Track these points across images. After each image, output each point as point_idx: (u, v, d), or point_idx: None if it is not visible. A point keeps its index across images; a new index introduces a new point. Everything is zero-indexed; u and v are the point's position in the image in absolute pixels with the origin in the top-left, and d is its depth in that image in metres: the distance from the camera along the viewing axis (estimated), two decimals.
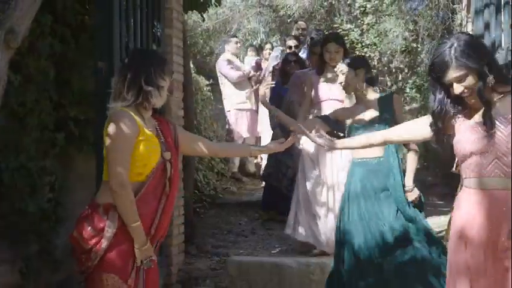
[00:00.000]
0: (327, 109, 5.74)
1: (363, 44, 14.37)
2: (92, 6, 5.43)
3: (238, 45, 10.45)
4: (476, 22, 5.33)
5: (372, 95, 4.80)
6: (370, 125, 4.63)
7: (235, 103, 9.74)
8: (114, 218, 3.26)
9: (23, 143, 4.73)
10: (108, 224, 3.25)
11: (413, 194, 4.61)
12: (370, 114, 4.71)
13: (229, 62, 9.85)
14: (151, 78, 3.37)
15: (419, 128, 3.40)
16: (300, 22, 9.24)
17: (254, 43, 15.62)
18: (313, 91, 6.08)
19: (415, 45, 13.43)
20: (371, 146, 3.94)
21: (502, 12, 4.68)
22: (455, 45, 2.89)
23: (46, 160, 5.08)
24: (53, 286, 5.14)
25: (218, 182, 9.33)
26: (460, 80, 2.89)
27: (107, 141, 3.29)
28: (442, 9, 10.45)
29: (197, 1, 6.70)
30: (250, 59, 10.68)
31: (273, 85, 7.19)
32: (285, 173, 7.09)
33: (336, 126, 4.77)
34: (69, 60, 5.24)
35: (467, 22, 5.96)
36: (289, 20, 15.43)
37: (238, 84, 9.75)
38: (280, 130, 6.82)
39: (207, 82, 11.33)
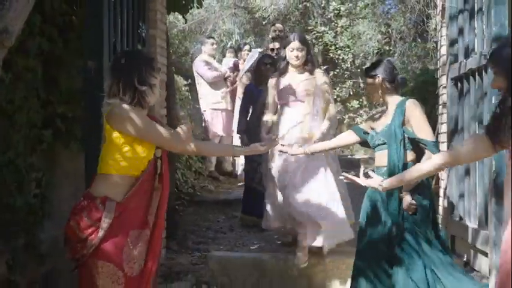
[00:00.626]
0: (290, 110, 5.84)
1: (337, 46, 14.83)
2: (79, 6, 5.54)
3: (214, 46, 10.55)
4: (450, 27, 5.50)
5: (394, 100, 4.55)
6: (381, 132, 4.51)
7: (211, 103, 9.84)
8: (110, 210, 3.42)
9: (12, 139, 4.82)
10: (105, 215, 3.40)
11: (404, 201, 4.39)
12: (385, 121, 4.55)
13: (206, 62, 9.96)
14: (143, 77, 3.54)
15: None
16: (277, 24, 9.32)
17: (229, 44, 15.74)
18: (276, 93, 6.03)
19: (387, 47, 13.81)
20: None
21: (475, 18, 4.86)
22: None
23: (33, 156, 5.18)
24: (38, 278, 5.23)
25: (196, 180, 9.45)
26: None
27: (135, 128, 3.45)
28: (415, 12, 10.62)
29: (179, 3, 6.84)
30: (228, 60, 10.79)
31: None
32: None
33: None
34: (56, 59, 5.34)
35: (441, 27, 6.10)
36: (264, 22, 15.61)
37: (214, 84, 9.86)
38: (246, 137, 6.92)
39: (185, 82, 11.43)
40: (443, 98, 5.90)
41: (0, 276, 4.97)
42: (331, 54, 14.90)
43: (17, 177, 4.98)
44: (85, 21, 4.99)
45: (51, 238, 5.28)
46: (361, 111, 14.43)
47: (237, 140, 9.63)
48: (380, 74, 4.51)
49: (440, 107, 6.00)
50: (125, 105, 3.50)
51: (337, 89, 14.54)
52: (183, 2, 6.89)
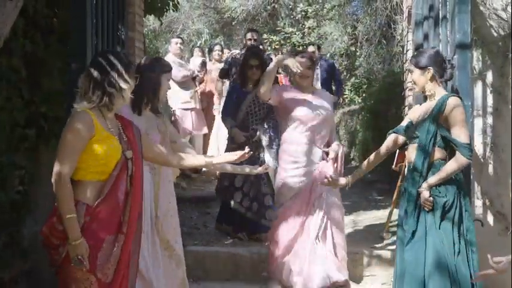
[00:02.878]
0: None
1: (304, 47, 15.00)
2: (60, 10, 5.70)
3: (179, 45, 10.50)
4: (416, 33, 5.76)
5: (438, 94, 4.33)
6: (419, 124, 4.36)
7: (180, 102, 9.92)
8: (80, 213, 3.39)
9: None
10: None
11: (421, 197, 4.23)
12: (423, 113, 4.37)
13: (174, 62, 10.08)
14: (114, 80, 3.55)
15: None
16: (252, 33, 9.11)
17: (198, 44, 15.95)
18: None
19: (353, 49, 14.04)
20: None
21: (440, 25, 5.14)
22: None
23: (17, 154, 5.34)
24: (21, 274, 5.37)
25: None
26: None
27: (61, 137, 3.47)
28: (382, 16, 10.90)
29: (155, 6, 7.03)
30: (197, 59, 10.93)
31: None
32: (238, 187, 6.66)
33: None
34: (39, 61, 5.49)
35: (407, 32, 6.39)
36: (233, 23, 15.88)
37: (182, 84, 9.93)
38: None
39: None
40: (409, 99, 6.19)
41: None
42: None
43: (1, 174, 5.14)
44: (69, 24, 5.16)
45: (33, 234, 5.41)
46: None
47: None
48: (431, 66, 4.32)
49: (406, 108, 6.27)
50: (77, 114, 3.48)
51: None
52: (159, 4, 7.08)
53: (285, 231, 5.73)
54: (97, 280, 3.38)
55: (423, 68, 4.33)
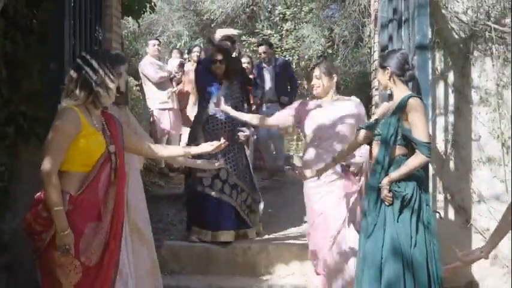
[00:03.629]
0: None
1: (282, 49, 15.31)
2: (39, 11, 5.88)
3: (156, 47, 10.62)
4: (381, 35, 5.98)
5: (400, 94, 4.49)
6: (380, 121, 4.54)
7: (158, 103, 10.07)
8: (64, 203, 3.57)
9: None
10: None
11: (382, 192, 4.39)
12: (387, 113, 4.56)
13: (151, 63, 10.24)
14: (101, 79, 3.73)
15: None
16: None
17: (178, 45, 16.11)
18: None
19: (330, 51, 14.22)
20: None
21: (403, 28, 5.38)
22: None
23: None
24: (1, 268, 5.54)
25: (146, 177, 9.78)
26: None
27: (49, 133, 3.64)
28: (355, 18, 11.15)
29: (133, 8, 7.23)
30: (174, 61, 11.10)
31: None
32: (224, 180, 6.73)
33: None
34: (19, 60, 5.65)
35: (374, 34, 6.64)
36: (212, 25, 16.02)
37: (159, 84, 10.09)
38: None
39: (136, 82, 11.74)
40: (375, 98, 6.42)
41: None
42: (277, 56, 15.17)
43: None
44: (48, 25, 5.35)
45: (13, 229, 5.58)
46: None
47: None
48: (390, 66, 4.53)
49: (373, 107, 6.51)
50: (64, 111, 3.66)
51: None
52: (136, 7, 7.27)
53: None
54: (81, 264, 3.58)
55: (384, 68, 4.55)
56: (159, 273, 5.13)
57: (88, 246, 3.62)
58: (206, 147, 4.43)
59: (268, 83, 9.66)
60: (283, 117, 5.81)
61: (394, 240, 4.25)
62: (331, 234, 5.33)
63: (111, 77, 3.79)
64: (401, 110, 4.33)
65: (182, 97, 10.44)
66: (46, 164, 3.55)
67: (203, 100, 6.83)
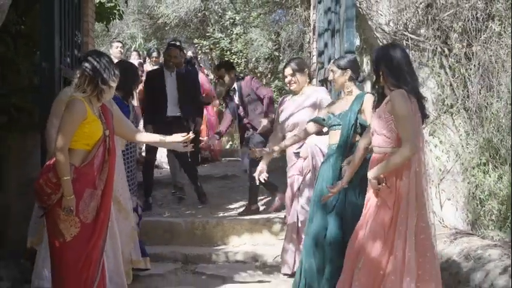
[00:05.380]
0: None
1: (232, 51, 15.87)
2: (27, 18, 6.79)
3: (119, 49, 11.44)
4: (319, 42, 6.99)
5: (354, 92, 5.35)
6: (338, 115, 5.29)
7: None
8: (70, 172, 4.32)
9: None
10: None
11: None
12: (344, 107, 5.31)
13: None
14: (106, 79, 4.46)
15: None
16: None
17: (133, 47, 16.85)
18: None
19: (277, 53, 14.78)
20: None
21: (335, 36, 6.37)
22: None
23: None
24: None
25: None
26: None
27: (63, 119, 4.35)
28: (297, 25, 11.99)
29: (104, 15, 8.17)
30: (134, 62, 11.79)
31: None
32: None
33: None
34: (9, 60, 6.56)
35: (313, 41, 7.66)
36: (166, 28, 16.76)
37: None
38: None
39: None
40: None
41: None
42: (226, 58, 15.51)
43: None
44: (35, 30, 6.27)
45: (3, 206, 6.51)
46: None
47: None
48: (349, 69, 5.32)
49: None
50: (75, 101, 4.36)
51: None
52: (106, 14, 8.21)
53: None
54: (80, 220, 4.36)
55: (343, 69, 5.35)
56: (137, 237, 5.99)
57: (85, 207, 4.38)
58: (178, 137, 5.15)
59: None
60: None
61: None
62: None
63: (114, 78, 4.53)
64: (360, 104, 5.15)
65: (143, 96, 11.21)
66: (60, 142, 4.27)
67: None
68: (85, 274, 4.40)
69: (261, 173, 6.06)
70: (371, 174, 4.43)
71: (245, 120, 8.33)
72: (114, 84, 4.57)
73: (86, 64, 4.48)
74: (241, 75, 10.59)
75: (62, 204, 4.30)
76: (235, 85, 8.38)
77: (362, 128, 5.11)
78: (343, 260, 4.75)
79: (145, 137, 5.55)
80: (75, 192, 4.33)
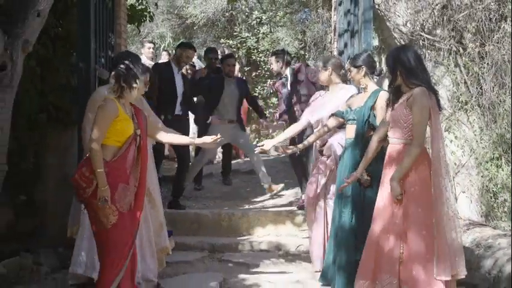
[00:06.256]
0: None
1: (259, 50, 16.01)
2: (64, 21, 7.20)
3: (152, 49, 11.76)
4: (339, 42, 7.33)
5: (371, 87, 5.53)
6: (354, 110, 5.51)
7: None
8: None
9: (18, 121, 6.26)
10: None
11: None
12: (360, 102, 5.50)
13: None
14: (128, 79, 4.73)
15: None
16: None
17: (162, 46, 17.19)
18: None
19: (303, 52, 14.92)
20: None
21: (355, 37, 6.69)
22: None
23: (33, 134, 6.82)
24: (35, 227, 6.82)
25: None
26: None
27: (97, 116, 4.61)
28: (321, 24, 12.27)
29: (135, 17, 8.58)
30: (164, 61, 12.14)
31: None
32: None
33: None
34: (48, 60, 6.96)
35: (334, 41, 7.93)
36: (194, 27, 17.07)
37: None
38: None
39: None
40: None
41: (9, 223, 6.65)
42: (253, 57, 16.05)
43: (22, 148, 6.62)
44: (72, 32, 6.67)
45: (41, 198, 6.90)
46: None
47: None
48: (364, 66, 5.50)
49: None
50: (108, 101, 4.64)
51: (259, 87, 15.84)
52: (138, 16, 8.61)
53: None
54: (117, 209, 4.63)
55: (358, 67, 5.54)
56: (165, 231, 6.21)
57: (120, 199, 4.64)
58: (207, 139, 5.33)
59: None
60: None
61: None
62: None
63: (136, 78, 4.78)
64: (374, 101, 5.32)
65: None
66: (94, 134, 4.56)
67: None
68: (123, 260, 4.70)
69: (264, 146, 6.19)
70: (393, 180, 4.59)
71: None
72: (135, 85, 4.80)
73: (115, 64, 4.84)
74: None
75: (97, 195, 4.56)
76: (287, 72, 8.29)
77: (373, 123, 5.31)
78: (360, 254, 4.98)
79: (174, 138, 5.59)
80: (109, 184, 4.58)
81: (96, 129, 4.60)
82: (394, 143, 4.74)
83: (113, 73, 4.88)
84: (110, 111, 4.65)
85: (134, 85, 4.78)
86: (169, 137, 5.45)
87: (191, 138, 5.48)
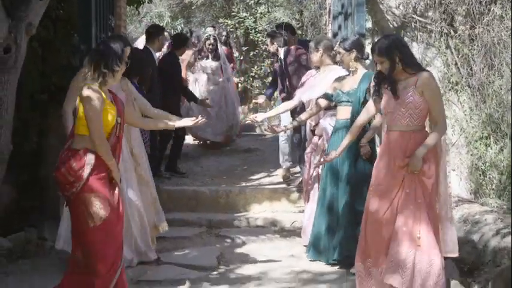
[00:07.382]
0: None
1: (256, 30, 16.01)
2: (65, 3, 7.36)
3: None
4: (333, 24, 7.53)
5: (361, 70, 5.70)
6: (347, 92, 5.66)
7: None
8: (91, 157, 4.27)
9: (21, 101, 6.35)
10: (87, 161, 4.26)
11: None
12: (351, 84, 5.67)
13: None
14: (109, 64, 4.32)
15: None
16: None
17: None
18: None
19: (300, 32, 14.65)
20: None
21: (348, 20, 6.89)
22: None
23: (34, 115, 7.00)
24: (38, 204, 6.98)
25: None
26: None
27: (88, 111, 4.24)
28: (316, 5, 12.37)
29: None
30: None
31: None
32: None
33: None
34: (49, 42, 7.13)
35: (329, 23, 8.14)
36: (192, 7, 17.17)
37: None
38: None
39: None
40: None
41: (13, 200, 6.84)
42: (251, 37, 16.10)
43: (25, 129, 6.80)
44: (73, 14, 6.83)
45: (44, 176, 7.00)
46: None
47: None
48: (355, 49, 5.64)
49: None
50: (85, 89, 4.25)
51: (256, 67, 15.85)
52: None
53: None
54: (109, 204, 4.33)
55: (348, 50, 5.65)
56: (159, 205, 6.35)
57: (110, 188, 4.41)
58: (188, 121, 5.22)
59: None
60: None
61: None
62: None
63: (118, 62, 4.38)
64: (368, 82, 5.31)
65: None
66: (95, 133, 4.27)
67: None
68: (113, 257, 4.40)
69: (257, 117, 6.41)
70: (416, 157, 4.44)
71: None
72: (118, 69, 4.43)
73: (93, 50, 4.68)
74: None
75: (114, 177, 4.43)
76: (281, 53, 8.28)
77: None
78: (354, 228, 5.22)
79: (152, 124, 5.59)
80: (95, 176, 4.30)
81: (92, 126, 4.28)
82: (402, 129, 4.53)
83: (87, 59, 4.47)
84: (98, 103, 4.29)
85: (117, 68, 4.41)
86: (153, 124, 5.59)
87: (170, 122, 5.34)
